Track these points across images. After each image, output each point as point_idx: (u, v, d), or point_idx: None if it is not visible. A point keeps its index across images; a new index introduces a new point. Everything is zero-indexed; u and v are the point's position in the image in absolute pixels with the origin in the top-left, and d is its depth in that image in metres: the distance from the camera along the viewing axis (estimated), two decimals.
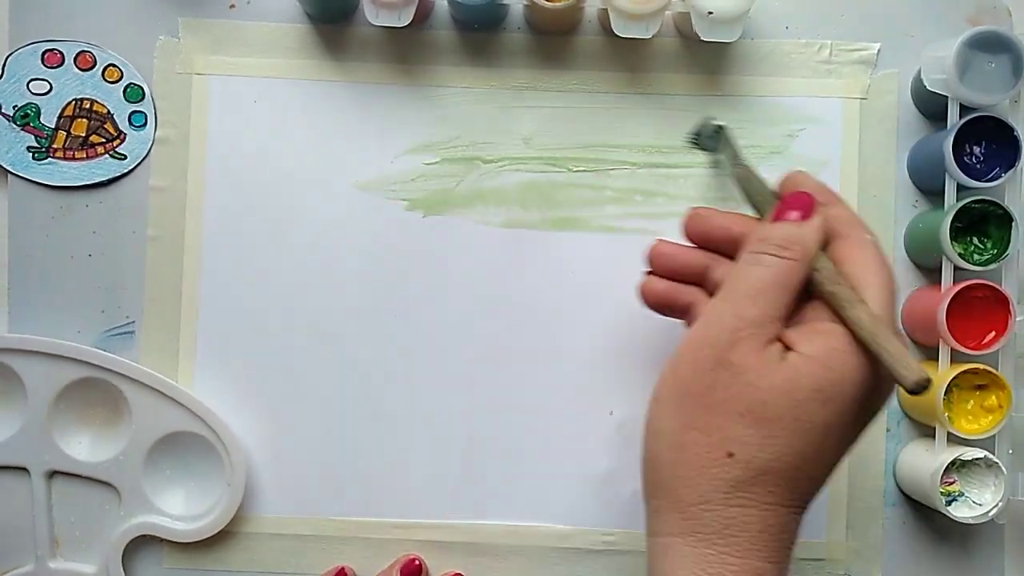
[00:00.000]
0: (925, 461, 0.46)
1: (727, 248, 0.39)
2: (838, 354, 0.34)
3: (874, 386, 0.35)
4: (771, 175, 0.48)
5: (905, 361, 0.33)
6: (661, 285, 0.41)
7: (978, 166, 0.45)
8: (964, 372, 0.45)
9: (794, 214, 0.37)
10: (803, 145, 0.49)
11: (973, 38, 0.44)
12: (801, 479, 0.34)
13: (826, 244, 0.37)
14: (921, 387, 0.33)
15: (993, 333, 0.45)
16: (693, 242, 0.41)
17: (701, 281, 0.40)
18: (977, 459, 0.45)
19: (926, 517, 0.48)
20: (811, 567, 0.48)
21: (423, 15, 0.48)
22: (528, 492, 0.48)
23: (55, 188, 0.48)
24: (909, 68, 0.49)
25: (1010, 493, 0.45)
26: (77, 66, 0.48)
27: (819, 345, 0.34)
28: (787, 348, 0.35)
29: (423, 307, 0.48)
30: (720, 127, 0.45)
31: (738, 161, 0.43)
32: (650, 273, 0.41)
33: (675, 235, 0.48)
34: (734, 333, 0.34)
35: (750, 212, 0.41)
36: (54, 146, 0.48)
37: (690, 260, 0.40)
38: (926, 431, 0.48)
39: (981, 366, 0.45)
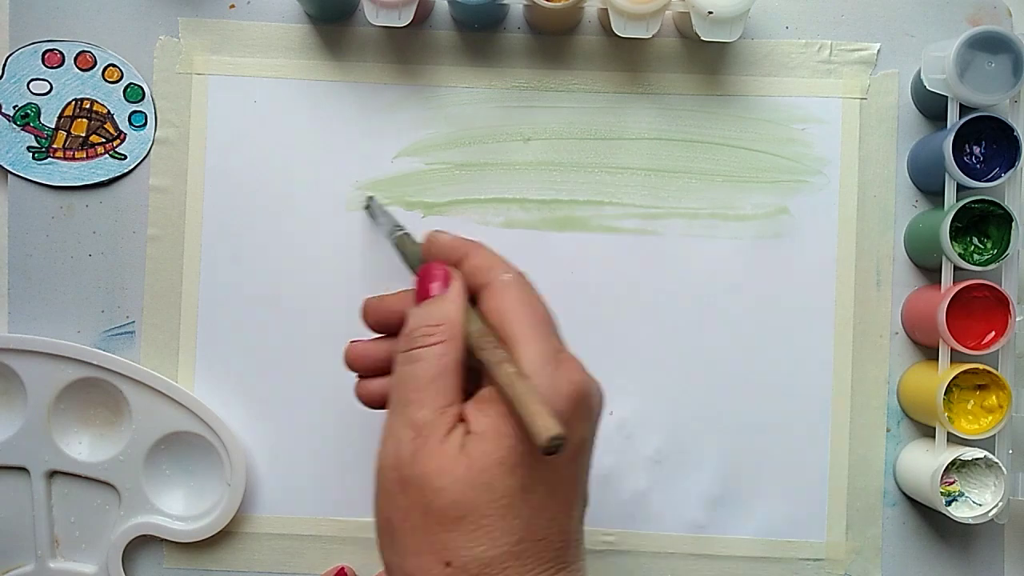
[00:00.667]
0: (925, 461, 0.46)
1: None
2: (506, 419, 0.32)
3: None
4: (772, 175, 0.48)
5: (537, 420, 0.31)
6: (373, 386, 0.39)
7: (978, 166, 0.45)
8: (964, 372, 0.44)
9: (434, 287, 0.36)
10: (803, 145, 0.49)
11: (973, 38, 0.44)
12: (535, 548, 0.32)
13: (476, 299, 0.36)
14: (553, 446, 0.30)
15: (993, 333, 0.45)
16: (377, 332, 0.40)
17: None
18: (977, 459, 0.45)
19: (926, 517, 0.48)
20: (811, 567, 0.48)
21: (423, 15, 0.48)
22: None
23: (55, 188, 0.48)
24: (909, 68, 0.49)
25: (1010, 493, 0.45)
26: (77, 66, 0.48)
27: (490, 416, 0.32)
28: (467, 428, 0.33)
29: None
30: (369, 198, 0.47)
31: (394, 229, 0.43)
32: (360, 377, 0.40)
33: (675, 235, 0.49)
34: (411, 443, 0.33)
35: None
36: (54, 146, 0.48)
37: (382, 352, 0.39)
38: (926, 431, 0.48)
39: (981, 366, 0.45)
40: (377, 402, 0.39)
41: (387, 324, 0.39)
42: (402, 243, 0.42)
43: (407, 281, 0.39)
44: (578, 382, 0.33)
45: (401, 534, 0.33)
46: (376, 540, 0.34)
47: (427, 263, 0.37)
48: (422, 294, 0.36)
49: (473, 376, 0.35)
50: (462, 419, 0.33)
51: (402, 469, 0.33)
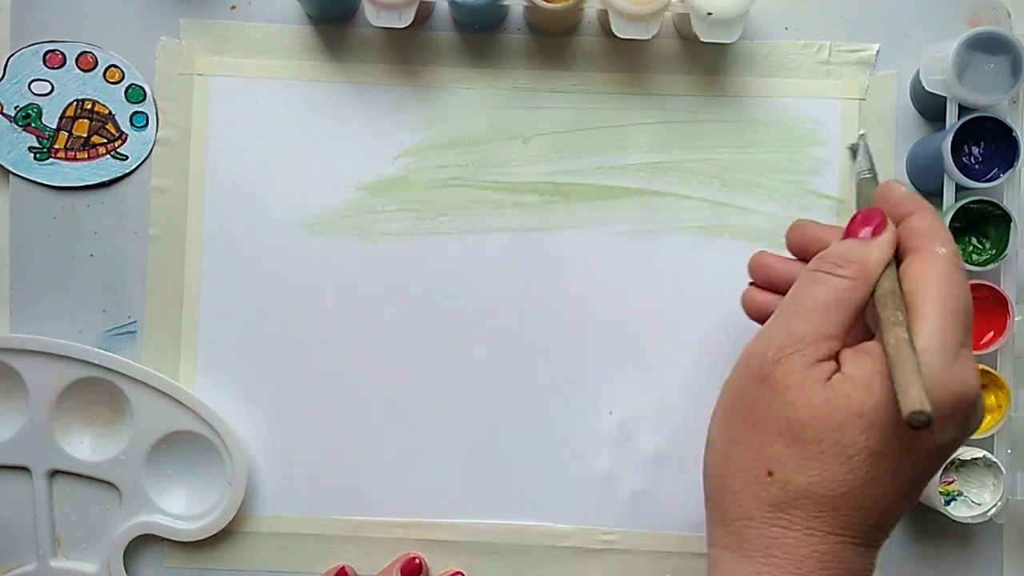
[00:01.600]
0: None
1: None
2: (881, 377, 0.32)
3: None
4: (771, 179, 0.48)
5: (908, 390, 0.30)
6: (761, 296, 0.41)
7: (977, 166, 0.46)
8: None
9: (864, 231, 0.36)
10: (802, 146, 0.49)
11: (972, 39, 0.44)
12: (850, 508, 0.32)
13: (902, 258, 0.36)
14: (916, 421, 0.30)
15: (992, 333, 0.45)
16: (793, 253, 0.41)
17: None
18: (976, 459, 0.45)
19: (925, 517, 0.48)
20: None
21: (424, 16, 0.48)
22: (528, 492, 0.48)
23: (57, 188, 0.48)
24: (908, 69, 0.49)
25: (1009, 493, 0.45)
26: (79, 67, 0.48)
27: (866, 367, 0.33)
28: (840, 368, 0.34)
29: (424, 307, 0.49)
30: (861, 135, 0.46)
31: (864, 172, 0.43)
32: (752, 284, 0.42)
33: (675, 236, 0.49)
34: (781, 350, 0.33)
35: None
36: (56, 146, 0.48)
37: (788, 272, 0.40)
38: None
39: (980, 366, 0.44)
40: (755, 313, 0.41)
41: (804, 248, 0.40)
42: (863, 185, 0.42)
43: None
44: (971, 386, 0.32)
45: (739, 421, 0.34)
46: (714, 413, 0.36)
47: (867, 208, 0.37)
48: (850, 232, 0.36)
49: (866, 332, 0.35)
50: (837, 359, 0.34)
51: (766, 366, 0.34)
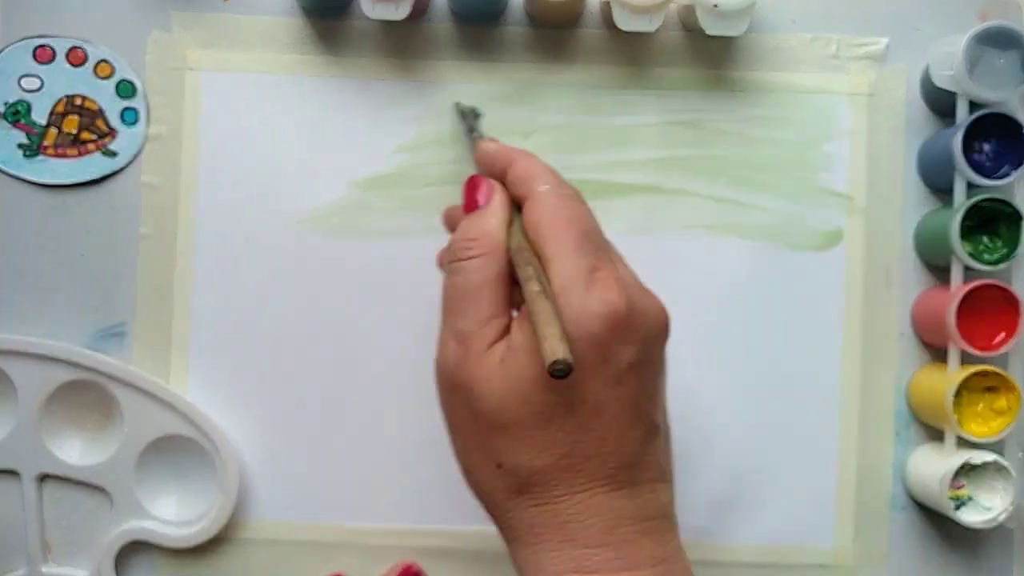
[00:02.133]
0: (934, 465, 0.45)
1: None
2: None
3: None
4: (779, 175, 0.48)
5: (543, 345, 0.31)
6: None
7: (988, 163, 0.45)
8: (974, 374, 0.44)
9: (481, 198, 0.37)
10: (809, 141, 0.48)
11: (982, 33, 0.44)
12: (579, 465, 0.33)
13: (520, 210, 0.36)
14: (556, 370, 0.30)
15: (1003, 334, 0.45)
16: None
17: None
18: (987, 463, 0.44)
19: (935, 522, 0.48)
20: (818, 572, 0.47)
21: (421, 8, 0.47)
22: None
23: (46, 186, 0.48)
24: (917, 64, 0.48)
25: (1020, 498, 0.45)
26: (68, 62, 0.48)
27: (526, 332, 0.33)
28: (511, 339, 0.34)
29: (422, 307, 0.48)
30: (456, 104, 0.46)
31: (473, 135, 0.43)
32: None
33: (679, 233, 0.48)
34: (455, 352, 0.34)
35: None
36: (45, 143, 0.48)
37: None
38: (935, 435, 0.48)
39: (991, 368, 0.44)
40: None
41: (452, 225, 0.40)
42: (474, 149, 0.42)
43: None
44: (612, 302, 0.32)
45: (458, 433, 0.36)
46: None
47: (468, 178, 0.38)
48: (468, 206, 0.37)
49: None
50: (509, 331, 0.34)
51: (451, 376, 0.35)
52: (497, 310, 0.34)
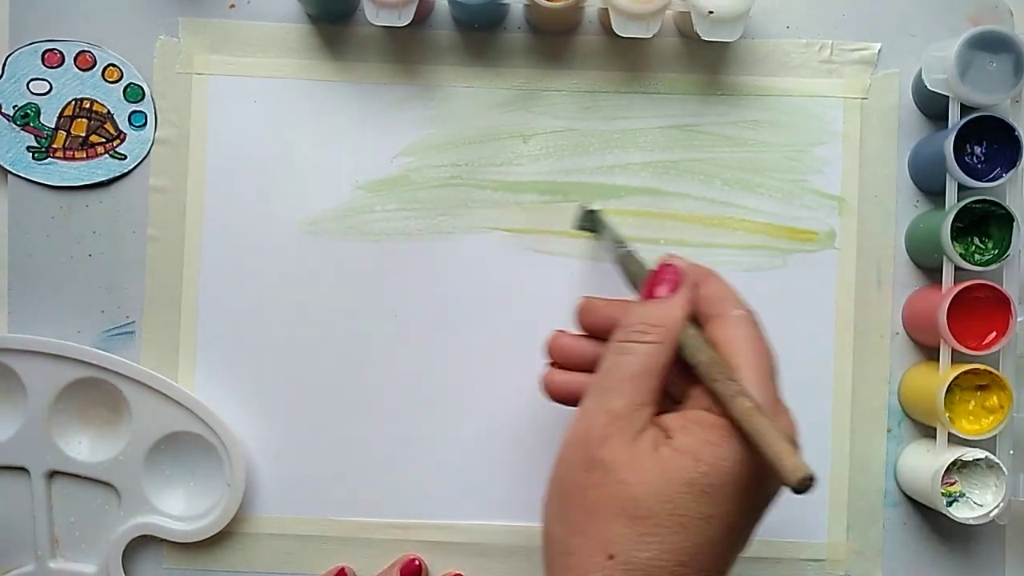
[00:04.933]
0: (926, 462, 0.46)
1: None
2: (709, 447, 0.33)
3: (760, 474, 0.33)
4: (772, 178, 0.48)
5: (787, 459, 0.31)
6: (561, 377, 0.40)
7: (979, 166, 0.45)
8: (965, 372, 0.44)
9: (661, 289, 0.37)
10: (803, 145, 0.48)
11: (974, 38, 0.44)
12: (694, 574, 0.32)
13: (702, 325, 0.36)
14: (804, 486, 0.30)
15: (994, 333, 0.45)
16: (587, 332, 0.40)
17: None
18: (978, 460, 0.45)
19: (927, 518, 0.48)
20: (812, 568, 0.48)
21: (423, 15, 0.48)
22: (529, 492, 0.48)
23: (55, 188, 0.48)
24: (910, 68, 0.48)
25: (1011, 494, 0.45)
26: (77, 66, 0.48)
27: (694, 436, 0.33)
28: (666, 435, 0.34)
29: (424, 306, 0.48)
30: (593, 211, 0.46)
31: (618, 245, 0.43)
32: (551, 364, 0.41)
33: (675, 235, 0.49)
34: (604, 429, 0.33)
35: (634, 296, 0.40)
36: (54, 146, 0.48)
37: (586, 351, 0.40)
38: (927, 432, 0.48)
39: (982, 366, 0.45)
40: (559, 392, 0.40)
41: (598, 327, 0.39)
42: (626, 260, 0.42)
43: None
44: (791, 437, 0.34)
45: (572, 510, 0.33)
46: (543, 506, 0.35)
47: (661, 265, 0.38)
48: (648, 294, 0.37)
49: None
50: (656, 424, 0.34)
51: (591, 449, 0.33)
52: (653, 399, 0.34)
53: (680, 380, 0.36)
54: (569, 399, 0.40)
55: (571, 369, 0.40)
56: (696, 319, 0.37)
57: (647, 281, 0.38)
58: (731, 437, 0.33)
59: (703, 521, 0.32)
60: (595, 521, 0.33)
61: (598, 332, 0.39)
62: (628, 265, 0.41)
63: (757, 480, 0.33)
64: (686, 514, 0.32)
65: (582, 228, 0.47)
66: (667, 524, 0.32)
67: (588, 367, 0.39)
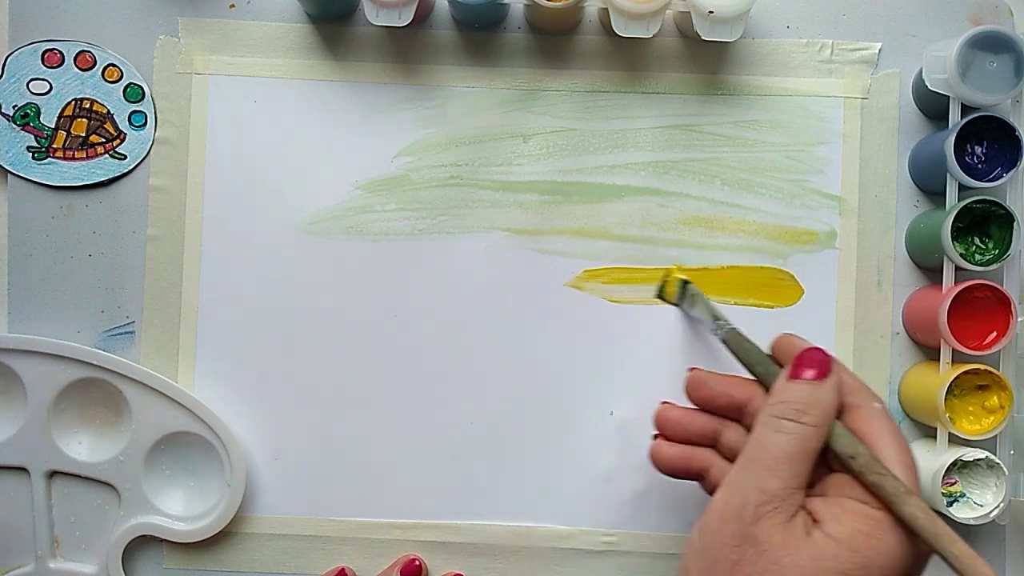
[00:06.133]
0: (926, 462, 0.45)
1: (732, 412, 0.40)
2: (865, 538, 0.33)
3: (907, 569, 0.34)
4: (773, 178, 0.48)
5: (974, 566, 0.32)
6: (673, 450, 0.41)
7: (980, 166, 0.45)
8: (965, 373, 0.44)
9: (809, 372, 0.37)
10: (804, 145, 0.48)
11: (975, 38, 0.44)
12: None
13: (839, 414, 0.37)
14: None
15: (995, 333, 0.45)
16: (697, 406, 0.41)
17: (712, 443, 0.41)
18: (979, 460, 0.45)
19: None
20: None
21: (423, 15, 0.48)
22: (528, 492, 0.48)
23: (55, 188, 0.48)
24: (910, 68, 0.48)
25: (1012, 494, 0.45)
26: (77, 66, 0.48)
27: (847, 526, 0.33)
28: (812, 519, 0.34)
29: (424, 306, 0.48)
30: (687, 282, 0.46)
31: (721, 323, 0.43)
32: (658, 436, 0.42)
33: (675, 235, 0.49)
34: (758, 508, 0.34)
35: (744, 372, 0.41)
36: (54, 146, 0.48)
37: (700, 426, 0.40)
38: (927, 432, 0.48)
39: (982, 367, 0.45)
40: (670, 466, 0.41)
41: (711, 402, 0.40)
42: (732, 338, 0.41)
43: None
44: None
45: None
46: (681, 572, 0.36)
47: (810, 348, 0.38)
48: (796, 374, 0.37)
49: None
50: (805, 507, 0.34)
51: (745, 525, 0.33)
52: (804, 482, 0.35)
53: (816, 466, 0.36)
54: (681, 472, 0.41)
55: (681, 441, 0.41)
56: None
57: (794, 362, 0.37)
58: (891, 531, 0.33)
59: None
60: None
61: (712, 407, 0.40)
62: (739, 343, 0.41)
63: (907, 572, 0.34)
64: None
65: (665, 296, 0.47)
66: None
67: (700, 440, 0.40)
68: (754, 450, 0.35)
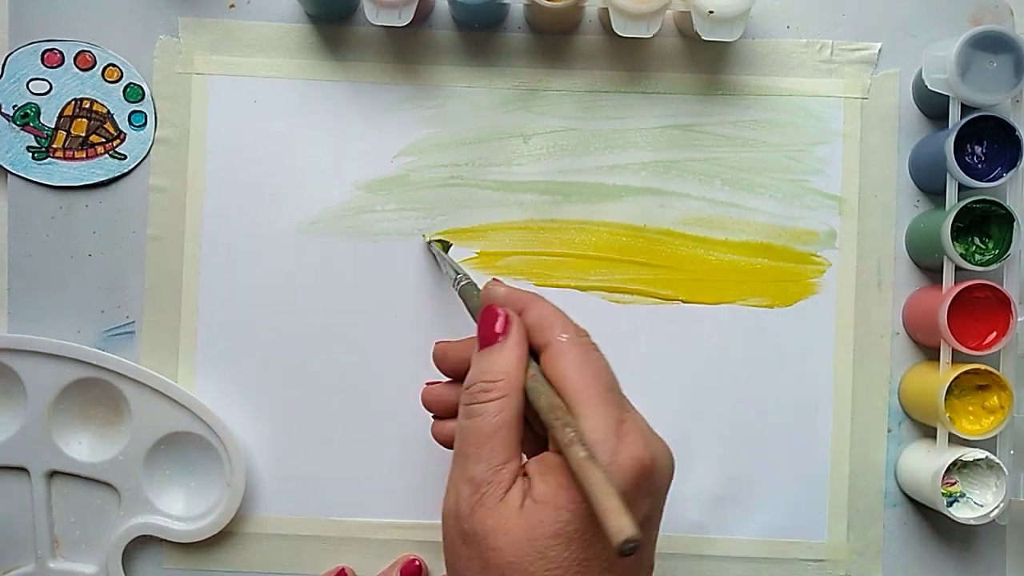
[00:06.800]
0: (926, 462, 0.46)
1: None
2: (566, 491, 0.32)
3: None
4: (773, 178, 0.48)
5: (612, 518, 0.29)
6: (448, 427, 0.39)
7: (980, 166, 0.45)
8: (965, 372, 0.44)
9: (489, 339, 0.35)
10: (804, 145, 0.48)
11: (975, 37, 0.44)
12: None
13: (537, 357, 0.35)
14: (626, 549, 0.28)
15: (994, 333, 0.45)
16: (451, 377, 0.40)
17: None
18: (978, 460, 0.45)
19: (927, 518, 0.48)
20: (812, 568, 0.48)
21: (423, 15, 0.48)
22: None
23: (55, 188, 0.48)
24: (910, 67, 0.48)
25: (1011, 494, 0.45)
26: (77, 66, 0.48)
27: (549, 484, 0.32)
28: (531, 483, 0.33)
29: (424, 306, 0.48)
30: (431, 243, 0.46)
31: (458, 277, 0.42)
32: (435, 418, 0.40)
33: (675, 235, 0.49)
34: (469, 499, 0.33)
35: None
36: (54, 146, 0.48)
37: (455, 397, 0.38)
38: (927, 432, 0.48)
39: (982, 366, 0.45)
40: (447, 443, 0.39)
41: (457, 371, 0.39)
42: (466, 292, 0.41)
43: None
44: (640, 458, 0.32)
45: None
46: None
47: (484, 310, 0.36)
48: (483, 340, 0.36)
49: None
50: (525, 473, 0.34)
51: (461, 522, 0.33)
52: (512, 453, 0.34)
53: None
54: None
55: (452, 417, 0.39)
56: (533, 353, 0.35)
57: (479, 326, 0.36)
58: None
59: (579, 566, 0.32)
60: None
61: (460, 375, 0.38)
62: (468, 297, 0.40)
63: None
64: (560, 565, 0.32)
65: (441, 262, 0.46)
66: None
67: None
68: (457, 443, 0.35)
